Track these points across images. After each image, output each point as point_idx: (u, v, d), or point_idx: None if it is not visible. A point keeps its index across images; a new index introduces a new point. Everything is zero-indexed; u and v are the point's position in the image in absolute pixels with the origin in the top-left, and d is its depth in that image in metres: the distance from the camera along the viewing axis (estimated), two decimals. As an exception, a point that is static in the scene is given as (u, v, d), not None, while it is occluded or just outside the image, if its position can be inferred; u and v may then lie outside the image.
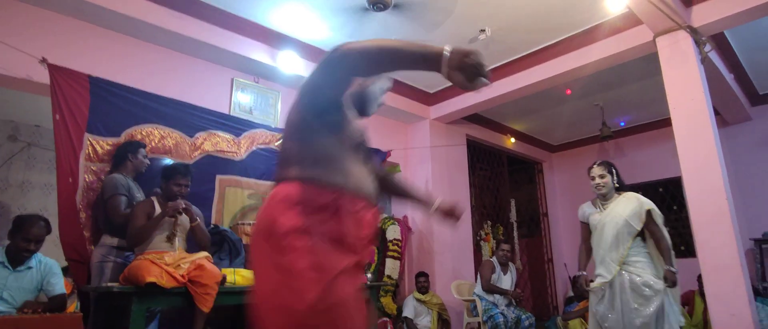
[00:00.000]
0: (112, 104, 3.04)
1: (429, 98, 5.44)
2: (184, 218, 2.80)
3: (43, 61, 2.84)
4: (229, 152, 3.57)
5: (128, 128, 3.09)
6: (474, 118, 5.90)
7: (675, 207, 6.26)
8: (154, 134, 3.22)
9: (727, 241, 3.27)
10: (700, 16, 3.64)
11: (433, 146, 5.34)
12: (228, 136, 3.59)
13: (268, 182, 3.80)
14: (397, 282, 4.85)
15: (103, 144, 2.97)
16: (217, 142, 3.51)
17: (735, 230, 3.28)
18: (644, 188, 6.49)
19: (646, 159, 6.15)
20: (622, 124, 6.34)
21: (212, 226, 3.24)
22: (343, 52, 1.06)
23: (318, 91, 1.21)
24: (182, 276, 2.58)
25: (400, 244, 4.86)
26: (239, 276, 2.97)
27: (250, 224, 3.44)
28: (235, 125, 3.67)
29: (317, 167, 1.18)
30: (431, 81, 5.17)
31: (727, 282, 3.25)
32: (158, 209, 2.76)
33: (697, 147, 3.50)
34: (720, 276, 3.27)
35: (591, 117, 5.98)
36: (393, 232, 4.88)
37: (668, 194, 6.33)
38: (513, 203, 6.63)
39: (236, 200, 3.52)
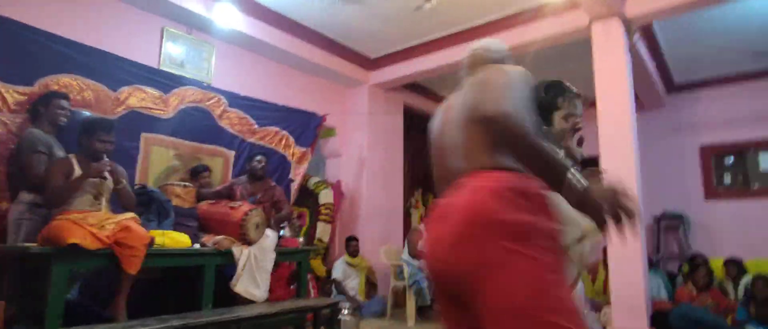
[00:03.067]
0: (24, 50, 2.92)
1: (370, 63, 5.60)
2: (108, 179, 2.82)
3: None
4: (156, 109, 3.56)
5: (42, 78, 3.00)
6: (413, 86, 6.14)
7: (593, 183, 7.01)
8: (71, 86, 3.14)
9: (632, 217, 3.81)
10: (633, 6, 3.98)
11: (371, 113, 5.56)
12: (155, 92, 3.57)
13: (197, 143, 3.83)
14: (327, 245, 5.13)
15: (14, 93, 2.87)
16: (143, 98, 3.49)
17: (641, 207, 3.83)
18: (568, 164, 7.19)
19: (571, 137, 6.80)
20: (553, 102, 6.88)
21: (139, 186, 3.28)
22: (504, 127, 1.08)
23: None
24: (107, 237, 2.62)
25: (332, 208, 5.11)
26: (168, 238, 3.07)
27: (179, 184, 3.50)
28: (164, 81, 3.65)
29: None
30: (373, 46, 5.31)
31: (627, 253, 3.82)
32: (77, 168, 2.75)
33: (616, 129, 3.98)
34: (622, 248, 3.82)
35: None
36: (325, 196, 5.12)
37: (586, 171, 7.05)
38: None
39: (162, 160, 3.56)
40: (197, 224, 3.45)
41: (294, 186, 4.68)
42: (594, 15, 4.06)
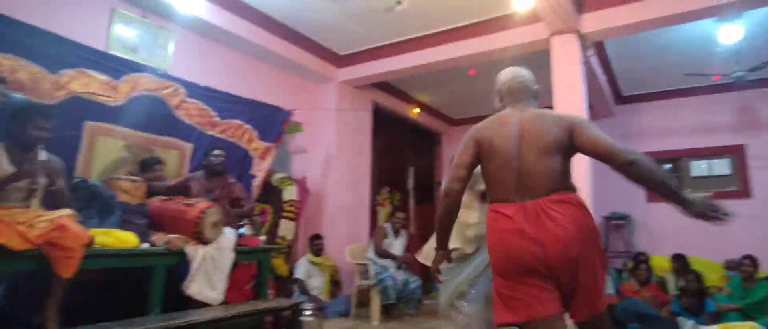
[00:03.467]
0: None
1: (339, 60, 5.19)
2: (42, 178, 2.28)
3: None
4: (104, 95, 2.97)
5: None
6: (382, 85, 5.80)
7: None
8: (3, 65, 2.54)
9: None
10: (589, 24, 4.01)
11: (339, 110, 5.12)
12: (103, 77, 2.98)
13: (149, 134, 3.26)
14: (291, 244, 4.65)
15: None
16: (88, 83, 2.89)
17: (591, 209, 3.68)
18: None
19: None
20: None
21: (79, 179, 2.71)
22: (634, 160, 1.56)
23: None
24: (38, 236, 2.14)
25: (296, 205, 4.64)
26: (112, 237, 2.56)
27: (127, 179, 2.94)
28: (114, 65, 3.06)
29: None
30: (343, 42, 4.91)
31: None
32: (5, 161, 2.22)
33: None
34: None
35: (489, 97, 6.16)
36: (290, 193, 4.64)
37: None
38: (411, 171, 6.73)
39: (109, 151, 2.99)
40: (147, 222, 2.91)
41: (256, 182, 4.17)
42: (554, 29, 4.01)
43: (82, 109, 2.85)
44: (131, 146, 3.13)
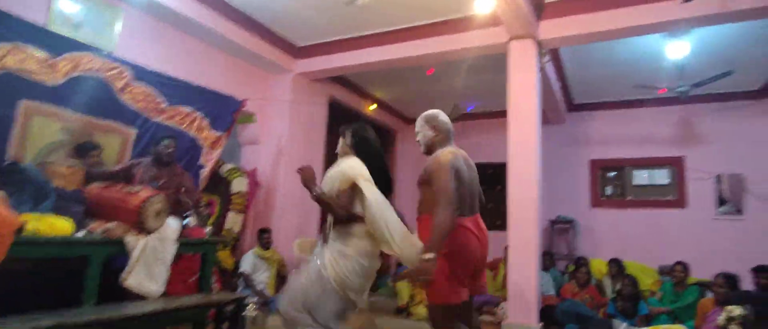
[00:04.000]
0: None
1: (296, 52, 5.23)
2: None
3: None
4: (41, 73, 2.90)
5: None
6: (339, 79, 5.87)
7: (499, 187, 7.25)
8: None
9: (531, 219, 3.96)
10: (546, 31, 4.22)
11: (294, 102, 5.19)
12: (41, 54, 2.91)
13: (90, 117, 3.21)
14: (238, 237, 4.69)
15: None
16: (24, 59, 2.82)
17: (539, 212, 4.00)
18: (478, 168, 7.36)
19: (482, 143, 6.92)
20: (470, 109, 6.99)
21: (9, 162, 2.65)
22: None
23: None
24: None
25: (245, 197, 4.68)
26: (44, 224, 2.53)
27: (63, 163, 2.90)
28: (53, 42, 2.99)
29: None
30: (301, 33, 4.96)
31: (525, 253, 3.99)
32: None
33: (523, 139, 4.17)
34: (521, 247, 4.00)
35: (445, 97, 6.44)
36: (239, 184, 4.68)
37: (495, 175, 7.27)
38: (364, 167, 6.89)
39: (44, 133, 2.93)
40: (84, 209, 2.89)
41: (204, 172, 4.17)
42: (513, 34, 4.23)
43: (17, 86, 2.77)
44: (70, 128, 3.06)
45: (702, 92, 5.64)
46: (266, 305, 4.22)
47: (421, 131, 2.55)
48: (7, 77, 2.73)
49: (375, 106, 6.62)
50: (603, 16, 3.95)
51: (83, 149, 3.14)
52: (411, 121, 7.88)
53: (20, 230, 2.33)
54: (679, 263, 4.52)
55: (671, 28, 4.02)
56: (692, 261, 4.69)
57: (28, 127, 2.84)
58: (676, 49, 4.51)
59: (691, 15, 3.61)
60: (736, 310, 2.36)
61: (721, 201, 5.94)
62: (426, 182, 2.28)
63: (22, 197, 2.55)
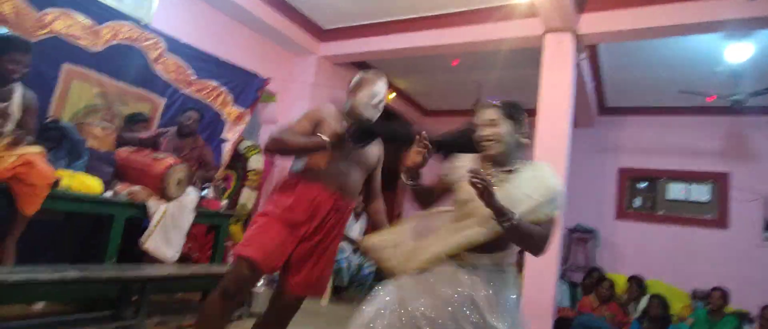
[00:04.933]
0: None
1: (322, 34, 5.51)
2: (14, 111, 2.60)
3: None
4: (85, 39, 3.32)
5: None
6: (362, 65, 6.07)
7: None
8: (-12, -3, 2.85)
9: (553, 228, 4.03)
10: (587, 25, 4.14)
11: (316, 85, 5.48)
12: (87, 21, 3.32)
13: (125, 84, 3.62)
14: (250, 213, 5.03)
15: None
16: (71, 24, 3.23)
17: (561, 219, 4.06)
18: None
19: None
20: (494, 104, 7.11)
21: (51, 119, 3.05)
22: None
23: None
24: (4, 170, 2.43)
25: (260, 175, 5.02)
26: (77, 181, 2.91)
27: (98, 125, 3.30)
28: (99, 11, 3.39)
29: None
30: (328, 16, 5.22)
31: (543, 263, 3.93)
32: None
33: (552, 141, 4.13)
34: (538, 257, 4.03)
35: (468, 91, 6.49)
36: (256, 162, 5.00)
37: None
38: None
39: (82, 96, 3.34)
40: (113, 171, 3.28)
41: (226, 147, 4.56)
42: (549, 26, 4.16)
43: (62, 50, 3.18)
44: (105, 93, 3.48)
45: (756, 104, 5.30)
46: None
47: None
48: (54, 41, 3.14)
49: (394, 95, 6.78)
50: (654, 11, 3.78)
51: (133, 119, 3.56)
52: (429, 113, 8.00)
53: (55, 184, 2.69)
54: (716, 288, 4.39)
55: (731, 28, 3.75)
56: (730, 288, 4.52)
57: (68, 89, 3.25)
58: (736, 52, 4.22)
59: (757, 14, 3.40)
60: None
61: (768, 225, 5.69)
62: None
63: (58, 154, 2.94)
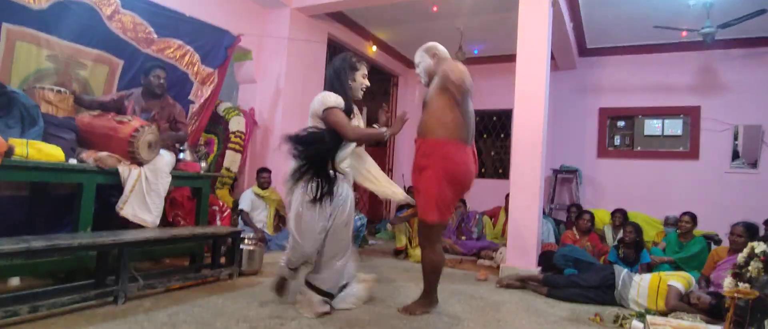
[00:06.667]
0: None
1: (293, -16, 5.06)
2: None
3: None
4: (24, -5, 2.84)
5: None
6: (338, 17, 5.71)
7: (502, 135, 7.22)
8: None
9: (534, 167, 3.95)
10: None
11: (292, 39, 5.07)
12: (23, -26, 2.84)
13: (77, 45, 3.18)
14: (235, 176, 4.75)
15: None
16: (5, -21, 2.76)
17: (543, 160, 3.99)
18: (481, 115, 7.29)
19: (488, 89, 6.81)
20: (476, 51, 6.82)
21: (-4, 85, 2.65)
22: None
23: None
24: None
25: (243, 137, 4.71)
26: (34, 149, 2.57)
27: (51, 89, 2.90)
28: (35, -37, 2.91)
29: None
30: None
31: (526, 200, 3.99)
32: None
33: (531, 83, 4.04)
34: (522, 195, 4.00)
35: (450, 39, 6.20)
36: (237, 123, 4.69)
37: (500, 123, 7.23)
38: (365, 111, 6.83)
39: (30, 59, 2.91)
40: (75, 138, 2.92)
41: (194, 108, 4.17)
42: None
43: (-1, 8, 2.74)
44: (56, 56, 3.05)
45: (727, 37, 5.40)
46: (264, 242, 4.32)
47: (422, 61, 2.74)
48: (-12, -1, 2.69)
49: (375, 48, 6.46)
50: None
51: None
52: (413, 65, 7.70)
53: (9, 153, 2.37)
54: (686, 213, 4.48)
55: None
56: (701, 214, 4.62)
57: (12, 51, 2.82)
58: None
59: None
60: (761, 246, 2.25)
61: (736, 154, 5.84)
62: (443, 88, 2.48)
63: (9, 121, 2.57)
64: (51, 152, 2.63)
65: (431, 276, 2.65)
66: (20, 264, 2.53)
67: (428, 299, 2.70)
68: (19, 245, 2.15)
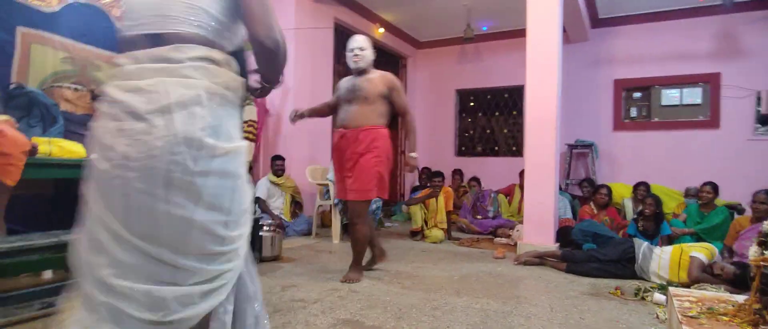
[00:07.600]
0: None
1: (297, -31, 5.03)
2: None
3: None
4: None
5: None
6: (346, 1, 5.67)
7: (514, 113, 7.15)
8: None
9: (548, 143, 3.92)
10: None
11: (298, 28, 5.07)
12: (33, -23, 2.88)
13: (92, 47, 3.22)
14: (251, 164, 4.82)
15: None
16: (15, -18, 2.80)
17: (557, 135, 3.97)
18: (492, 93, 7.22)
19: (498, 65, 6.74)
20: (485, 28, 6.73)
21: (14, 85, 2.72)
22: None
23: None
24: None
25: (255, 126, 4.76)
26: (56, 147, 2.63)
27: (69, 87, 2.96)
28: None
29: None
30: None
31: (542, 176, 3.99)
32: None
33: (542, 58, 4.00)
34: (537, 171, 4.00)
35: (458, 17, 6.20)
36: (249, 113, 4.73)
37: (511, 100, 7.16)
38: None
39: (46, 62, 2.95)
40: (95, 134, 2.98)
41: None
42: None
43: (13, 12, 2.76)
44: (73, 58, 3.10)
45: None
46: (283, 228, 4.41)
47: (368, 49, 3.15)
48: (3, 3, 2.73)
49: (383, 30, 6.41)
50: None
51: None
52: (422, 45, 7.66)
53: (33, 152, 2.45)
54: (707, 183, 4.39)
55: None
56: (723, 184, 4.52)
57: (28, 54, 2.87)
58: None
59: None
60: (784, 217, 2.22)
61: (760, 120, 5.65)
62: (383, 95, 3.02)
63: (30, 121, 2.65)
64: (73, 149, 2.70)
65: (362, 247, 3.07)
66: (52, 258, 2.63)
67: (360, 265, 3.11)
68: (50, 239, 2.24)
